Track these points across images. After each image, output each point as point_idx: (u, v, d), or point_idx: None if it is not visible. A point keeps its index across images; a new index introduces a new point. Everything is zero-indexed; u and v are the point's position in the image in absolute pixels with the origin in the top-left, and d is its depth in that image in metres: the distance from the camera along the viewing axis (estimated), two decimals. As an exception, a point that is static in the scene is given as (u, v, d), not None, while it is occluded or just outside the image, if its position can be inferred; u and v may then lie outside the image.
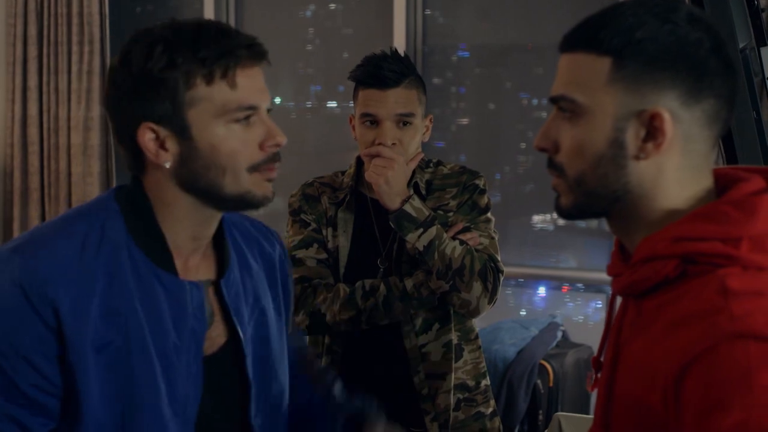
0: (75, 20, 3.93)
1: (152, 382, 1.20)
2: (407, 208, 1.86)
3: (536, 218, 3.70)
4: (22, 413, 1.14)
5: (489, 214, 2.00)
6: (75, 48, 3.94)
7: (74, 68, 3.95)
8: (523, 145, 3.64)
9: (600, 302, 3.71)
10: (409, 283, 1.89)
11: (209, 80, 1.17)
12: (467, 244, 1.89)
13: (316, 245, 1.98)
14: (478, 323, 2.08)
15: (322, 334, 1.99)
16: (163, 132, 1.18)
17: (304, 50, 4.00)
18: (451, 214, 1.97)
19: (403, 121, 1.92)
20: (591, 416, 2.86)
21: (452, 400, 1.97)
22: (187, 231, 1.25)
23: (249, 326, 1.33)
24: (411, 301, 1.89)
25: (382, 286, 1.90)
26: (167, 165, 1.19)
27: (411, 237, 1.86)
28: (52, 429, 1.17)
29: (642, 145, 0.99)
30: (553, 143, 1.05)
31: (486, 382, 2.06)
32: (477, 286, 1.87)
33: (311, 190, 2.05)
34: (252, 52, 1.20)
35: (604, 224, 3.55)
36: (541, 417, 3.23)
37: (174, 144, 1.19)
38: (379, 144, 1.89)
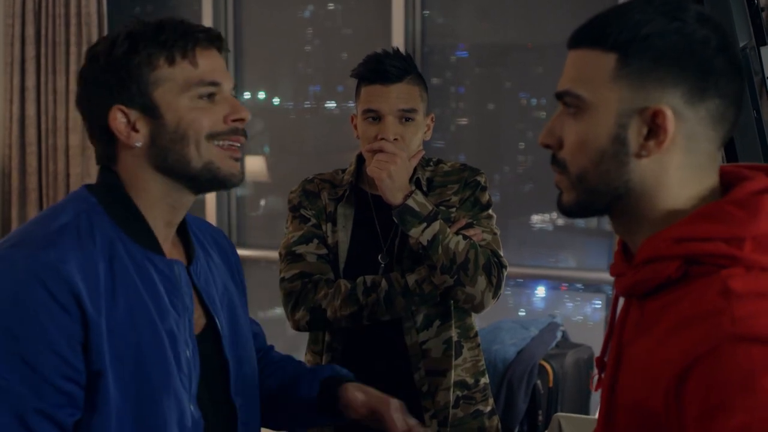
0: (73, 20, 3.93)
1: (164, 360, 1.23)
2: (410, 202, 1.85)
3: (535, 218, 3.70)
4: (52, 407, 1.15)
5: (490, 211, 2.00)
6: (73, 48, 3.94)
7: (72, 69, 3.94)
8: (522, 145, 3.64)
9: (599, 302, 3.71)
10: (410, 279, 1.88)
11: (171, 61, 1.25)
12: (471, 239, 1.89)
13: (316, 241, 1.97)
14: (477, 323, 2.08)
15: (323, 330, 1.99)
16: (133, 114, 1.25)
17: (303, 50, 4.00)
18: (453, 210, 1.97)
19: (406, 117, 1.91)
20: (591, 417, 2.86)
21: (451, 397, 1.97)
22: (163, 215, 1.30)
23: (222, 311, 1.38)
24: (413, 297, 1.88)
25: (384, 282, 1.89)
26: (138, 144, 1.25)
27: (414, 232, 1.85)
28: (77, 419, 1.18)
29: (644, 142, 0.99)
30: (557, 139, 1.04)
31: (485, 380, 2.05)
32: (482, 281, 1.86)
33: (311, 186, 2.04)
34: (209, 35, 1.28)
35: (603, 224, 3.56)
36: (540, 417, 3.23)
37: (144, 125, 1.25)
38: (382, 139, 1.89)
